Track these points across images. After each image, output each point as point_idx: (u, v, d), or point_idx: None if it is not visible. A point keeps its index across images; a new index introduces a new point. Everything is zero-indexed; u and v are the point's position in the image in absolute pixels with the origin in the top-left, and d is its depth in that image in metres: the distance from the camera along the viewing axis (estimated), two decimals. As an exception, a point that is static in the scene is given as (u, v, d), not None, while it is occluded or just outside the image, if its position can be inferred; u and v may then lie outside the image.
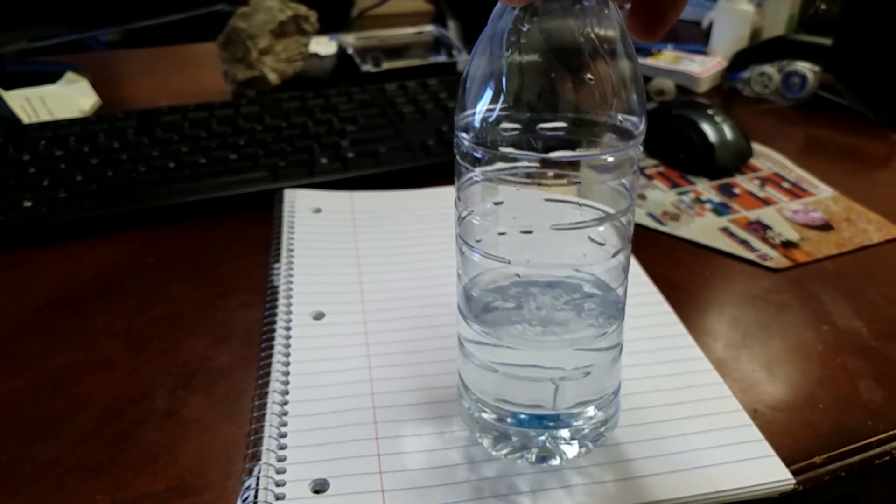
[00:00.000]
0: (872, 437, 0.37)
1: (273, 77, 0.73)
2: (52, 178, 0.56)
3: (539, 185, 0.30)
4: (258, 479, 0.33)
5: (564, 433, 0.34)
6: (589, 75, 0.28)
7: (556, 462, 0.34)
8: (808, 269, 0.51)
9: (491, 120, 0.29)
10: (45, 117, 0.69)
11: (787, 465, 0.35)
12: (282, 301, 0.45)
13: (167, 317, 0.46)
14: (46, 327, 0.45)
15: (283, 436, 0.36)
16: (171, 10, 0.81)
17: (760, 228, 0.55)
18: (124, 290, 0.48)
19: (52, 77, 0.74)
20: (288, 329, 0.43)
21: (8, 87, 0.70)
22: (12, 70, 0.78)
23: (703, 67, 0.84)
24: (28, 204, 0.53)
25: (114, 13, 0.78)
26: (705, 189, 0.61)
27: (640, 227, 0.56)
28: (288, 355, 0.41)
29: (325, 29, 0.84)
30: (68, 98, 0.71)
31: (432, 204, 0.57)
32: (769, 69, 0.80)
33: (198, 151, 0.59)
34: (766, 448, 0.36)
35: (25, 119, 0.68)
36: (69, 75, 0.74)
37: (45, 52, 0.80)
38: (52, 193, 0.54)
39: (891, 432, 0.38)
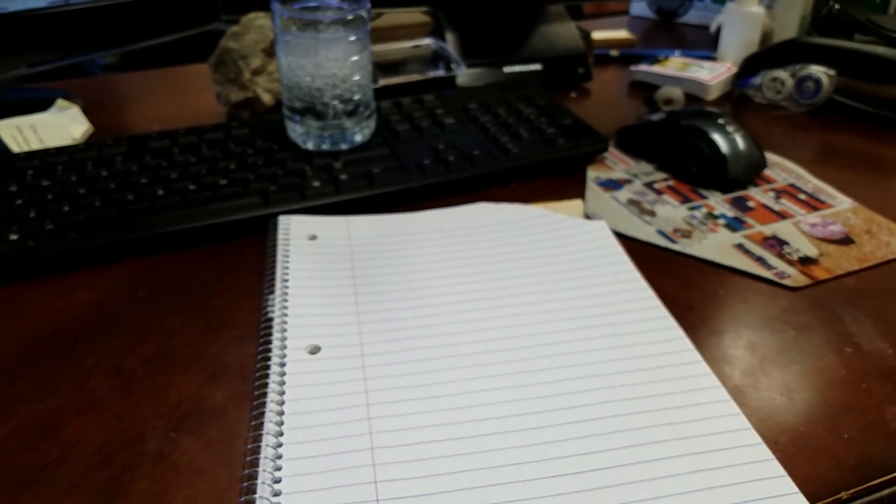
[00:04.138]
0: (902, 469, 0.35)
1: (267, 98, 0.71)
2: (39, 209, 0.54)
3: None
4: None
5: None
6: None
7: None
8: (829, 287, 0.49)
9: None
10: (35, 146, 0.67)
11: (812, 501, 0.33)
12: (276, 335, 0.43)
13: (159, 354, 0.44)
14: (34, 368, 0.43)
15: (278, 481, 0.34)
16: (165, 31, 0.80)
17: (777, 244, 0.53)
18: (115, 326, 0.46)
19: (43, 104, 0.72)
20: (282, 365, 0.41)
21: (-2, 117, 0.69)
22: (2, 98, 0.77)
23: (713, 74, 0.82)
24: (14, 237, 0.51)
25: (109, 36, 0.77)
26: (718, 203, 0.59)
27: (650, 246, 0.54)
28: (282, 394, 0.39)
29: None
30: (59, 126, 0.69)
31: (430, 227, 0.55)
32: (781, 74, 0.77)
33: (187, 178, 0.58)
34: (789, 484, 0.34)
35: (15, 148, 0.66)
36: (60, 102, 0.73)
37: (40, 77, 0.79)
38: (39, 225, 0.52)
39: (922, 463, 0.35)
